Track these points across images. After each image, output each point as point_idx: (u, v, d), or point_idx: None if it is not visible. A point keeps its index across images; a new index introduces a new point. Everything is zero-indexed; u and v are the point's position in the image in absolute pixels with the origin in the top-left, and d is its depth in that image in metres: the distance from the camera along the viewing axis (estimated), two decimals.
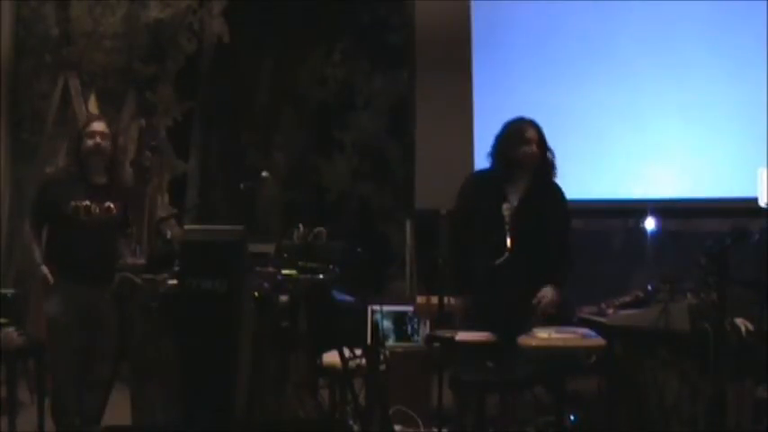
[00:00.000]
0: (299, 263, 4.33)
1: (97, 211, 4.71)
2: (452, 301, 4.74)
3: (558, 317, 4.50)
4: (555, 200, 4.65)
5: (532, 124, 4.63)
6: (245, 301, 4.01)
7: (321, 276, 4.31)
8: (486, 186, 4.65)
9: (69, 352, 4.61)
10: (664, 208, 6.50)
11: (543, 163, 4.62)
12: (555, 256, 4.55)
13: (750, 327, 4.04)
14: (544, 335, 4.14)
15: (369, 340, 4.84)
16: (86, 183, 4.78)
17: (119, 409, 4.47)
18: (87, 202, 4.70)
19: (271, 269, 4.25)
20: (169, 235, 6.95)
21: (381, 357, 4.68)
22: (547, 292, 4.45)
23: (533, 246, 4.46)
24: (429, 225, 7.12)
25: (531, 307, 4.44)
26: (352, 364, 4.45)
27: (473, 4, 7.00)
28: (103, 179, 4.84)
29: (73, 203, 4.68)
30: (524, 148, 4.56)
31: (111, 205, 4.76)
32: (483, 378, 4.29)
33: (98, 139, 4.80)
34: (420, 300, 5.94)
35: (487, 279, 4.40)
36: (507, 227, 4.36)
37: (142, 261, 4.78)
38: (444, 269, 4.84)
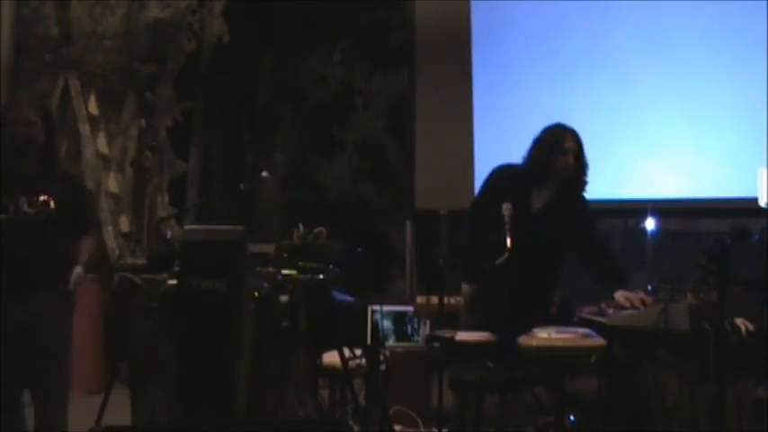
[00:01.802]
0: (299, 263, 4.33)
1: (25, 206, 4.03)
2: (462, 288, 4.71)
3: (558, 317, 4.51)
4: (580, 212, 4.62)
5: (573, 134, 4.57)
6: (245, 301, 4.01)
7: (321, 276, 4.31)
8: (513, 183, 4.58)
9: None
10: (664, 208, 6.50)
11: (576, 174, 4.58)
12: (606, 265, 4.56)
13: (750, 327, 4.04)
14: (544, 335, 4.14)
15: (369, 340, 4.84)
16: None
17: (119, 409, 4.46)
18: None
19: (271, 269, 4.24)
20: (169, 235, 6.96)
21: (381, 357, 4.69)
22: (626, 296, 4.42)
23: (546, 251, 4.47)
24: (429, 225, 7.12)
25: (533, 308, 4.44)
26: (352, 364, 4.45)
27: (473, 4, 7.01)
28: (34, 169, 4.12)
29: None
30: (561, 157, 4.51)
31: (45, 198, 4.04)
32: (483, 378, 4.29)
33: None
34: (420, 300, 5.94)
35: (492, 275, 4.40)
36: (507, 227, 4.36)
37: (142, 261, 4.76)
38: (444, 269, 4.84)
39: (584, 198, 4.68)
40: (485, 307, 4.50)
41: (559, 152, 4.51)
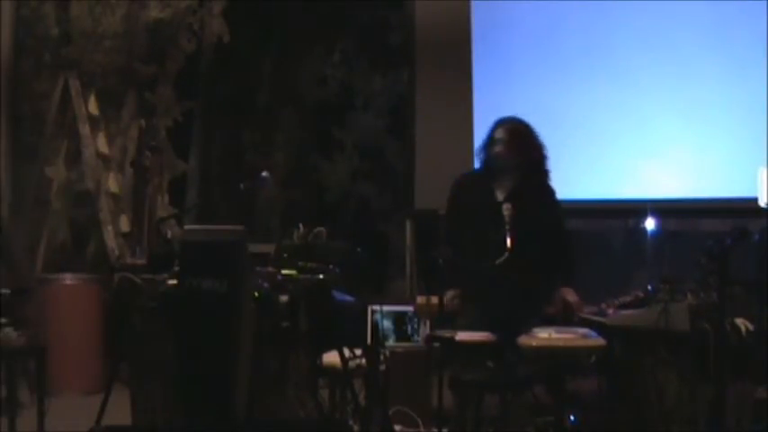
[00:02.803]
0: (299, 263, 4.33)
1: None
2: (448, 295, 4.74)
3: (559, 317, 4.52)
4: (542, 201, 4.67)
5: (505, 124, 4.71)
6: (245, 301, 4.01)
7: (321, 276, 4.31)
8: (474, 185, 4.77)
9: None
10: (664, 208, 6.50)
11: (528, 163, 4.67)
12: (556, 258, 4.58)
13: (750, 327, 4.04)
14: (544, 335, 4.14)
15: (369, 340, 4.84)
16: None
17: (119, 409, 4.46)
18: None
19: (271, 269, 4.25)
20: (169, 235, 6.96)
21: (381, 357, 4.68)
22: (568, 295, 4.47)
23: (517, 237, 4.50)
24: (429, 225, 7.11)
25: (529, 306, 4.46)
26: (352, 364, 4.45)
27: (473, 4, 7.01)
28: None
29: None
30: (492, 148, 4.69)
31: None
32: (483, 378, 4.29)
33: None
34: (420, 300, 5.93)
35: (485, 278, 4.43)
36: (507, 227, 4.38)
37: (142, 261, 4.76)
38: (444, 269, 4.85)
39: (546, 186, 4.74)
40: (479, 312, 4.54)
41: (491, 144, 4.70)
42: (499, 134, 4.68)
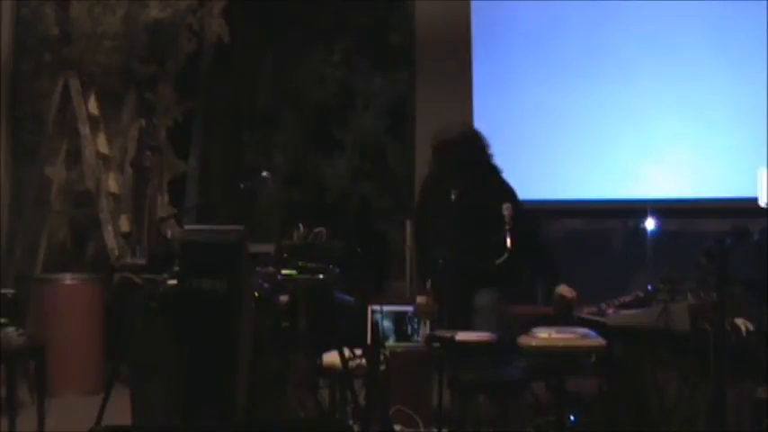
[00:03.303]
0: (299, 263, 4.33)
1: None
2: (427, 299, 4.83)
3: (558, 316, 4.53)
4: (492, 185, 4.84)
5: (432, 141, 4.97)
6: (245, 301, 4.01)
7: (321, 276, 4.31)
8: (433, 187, 5.01)
9: None
10: (664, 208, 6.51)
11: (456, 173, 4.86)
12: (540, 256, 4.77)
13: (750, 327, 4.04)
14: (544, 335, 4.14)
15: (369, 340, 4.84)
16: None
17: (119, 409, 4.46)
18: None
19: (271, 269, 4.24)
20: (169, 235, 6.96)
21: (381, 357, 4.68)
22: (566, 292, 4.55)
23: (475, 226, 4.66)
24: None
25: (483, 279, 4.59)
26: (352, 364, 4.45)
27: (473, 4, 7.01)
28: None
29: None
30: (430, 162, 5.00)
31: None
32: (483, 378, 4.29)
33: None
34: (420, 300, 5.93)
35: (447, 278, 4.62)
36: (507, 227, 4.39)
37: (142, 261, 4.76)
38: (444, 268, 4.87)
39: (498, 185, 4.88)
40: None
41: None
42: (430, 149, 4.97)
